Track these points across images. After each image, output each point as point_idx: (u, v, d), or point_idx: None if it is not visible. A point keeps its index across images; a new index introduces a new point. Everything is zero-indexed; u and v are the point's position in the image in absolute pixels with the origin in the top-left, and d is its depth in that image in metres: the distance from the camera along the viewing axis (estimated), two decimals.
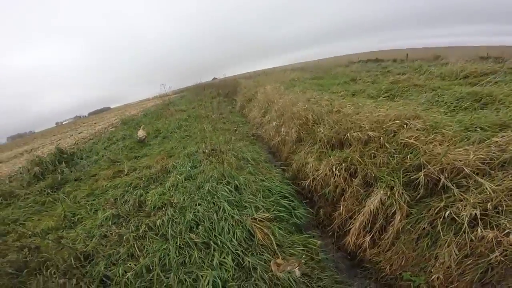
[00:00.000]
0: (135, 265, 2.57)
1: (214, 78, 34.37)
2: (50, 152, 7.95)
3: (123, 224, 3.31)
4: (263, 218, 2.87)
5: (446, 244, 1.99)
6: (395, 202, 2.45)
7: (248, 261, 2.41)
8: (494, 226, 1.88)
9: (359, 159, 3.10)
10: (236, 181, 3.66)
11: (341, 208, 2.98)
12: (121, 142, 8.71)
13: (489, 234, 1.84)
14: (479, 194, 2.07)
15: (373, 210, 2.55)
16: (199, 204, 3.29)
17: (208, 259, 2.50)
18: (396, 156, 2.77)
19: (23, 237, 3.44)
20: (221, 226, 2.85)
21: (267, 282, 2.23)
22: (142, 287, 2.37)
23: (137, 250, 2.77)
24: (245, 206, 3.18)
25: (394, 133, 2.95)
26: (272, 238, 2.64)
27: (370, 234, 2.58)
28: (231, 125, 7.67)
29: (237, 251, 2.54)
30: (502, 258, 1.75)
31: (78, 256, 2.75)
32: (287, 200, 3.38)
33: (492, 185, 2.05)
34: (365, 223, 2.61)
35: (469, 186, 2.20)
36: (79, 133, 14.06)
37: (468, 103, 3.91)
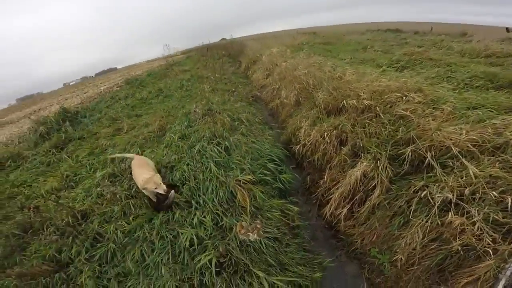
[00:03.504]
0: (126, 223, 2.66)
1: (222, 39, 32.88)
2: (55, 111, 7.94)
3: (118, 183, 3.33)
4: (246, 181, 2.87)
5: (417, 225, 1.93)
6: (377, 175, 2.37)
7: (226, 222, 2.47)
8: (465, 213, 1.77)
9: (351, 127, 3.00)
10: (226, 142, 3.64)
11: (326, 176, 2.95)
12: (123, 100, 8.69)
13: (457, 220, 1.75)
14: (460, 177, 1.94)
15: (355, 181, 2.50)
16: (188, 164, 3.29)
17: (190, 218, 2.57)
18: (389, 127, 2.64)
19: (29, 199, 3.57)
20: (205, 186, 2.88)
21: (239, 243, 2.28)
22: (130, 244, 2.47)
23: (131, 208, 2.83)
24: (232, 167, 3.18)
25: (392, 105, 2.79)
26: (249, 200, 2.66)
27: (349, 205, 2.56)
28: (231, 86, 7.43)
29: (217, 211, 2.59)
30: (459, 248, 1.69)
31: (75, 215, 2.85)
32: (274, 164, 3.36)
33: (476, 170, 1.89)
34: (346, 194, 2.59)
35: (454, 168, 2.06)
36: (85, 93, 13.66)
37: (481, 82, 3.64)
